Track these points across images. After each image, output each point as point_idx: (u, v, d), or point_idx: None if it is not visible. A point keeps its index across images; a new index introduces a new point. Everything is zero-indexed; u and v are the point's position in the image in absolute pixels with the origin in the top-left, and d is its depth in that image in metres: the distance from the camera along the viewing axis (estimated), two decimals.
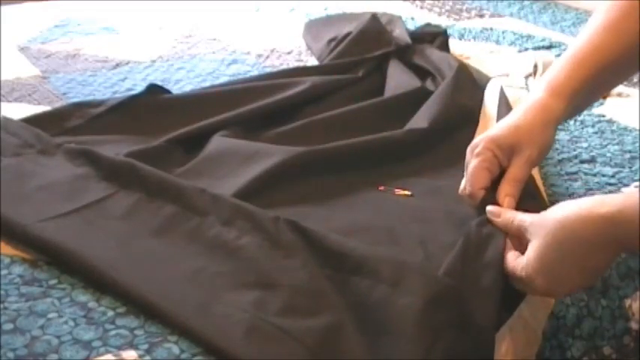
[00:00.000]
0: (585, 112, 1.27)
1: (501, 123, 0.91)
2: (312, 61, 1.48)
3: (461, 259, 0.79)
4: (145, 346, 0.69)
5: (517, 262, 0.77)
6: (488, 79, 1.32)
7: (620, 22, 0.92)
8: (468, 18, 1.85)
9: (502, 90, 1.15)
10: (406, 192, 0.99)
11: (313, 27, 1.63)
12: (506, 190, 0.86)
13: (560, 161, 1.10)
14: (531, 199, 0.88)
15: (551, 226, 0.75)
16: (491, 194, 0.87)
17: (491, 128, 0.91)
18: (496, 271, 0.77)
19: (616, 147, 1.15)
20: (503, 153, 0.87)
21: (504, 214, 0.82)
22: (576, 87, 0.91)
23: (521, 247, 0.78)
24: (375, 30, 1.46)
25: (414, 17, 1.77)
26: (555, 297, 0.83)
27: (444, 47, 1.47)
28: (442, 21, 1.77)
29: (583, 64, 0.91)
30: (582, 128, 1.22)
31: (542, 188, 0.98)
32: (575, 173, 1.07)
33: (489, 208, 0.83)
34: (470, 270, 0.78)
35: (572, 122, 1.23)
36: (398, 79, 1.30)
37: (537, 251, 0.75)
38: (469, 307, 0.74)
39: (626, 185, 1.04)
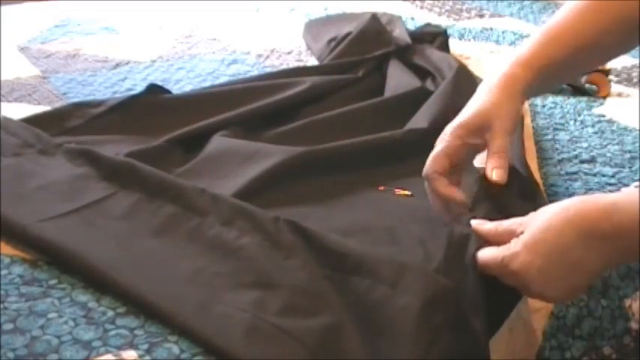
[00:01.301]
0: (585, 112, 1.27)
1: (469, 107, 0.88)
2: (312, 61, 1.48)
3: (445, 262, 0.79)
4: (145, 346, 0.69)
5: (500, 249, 0.74)
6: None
7: (601, 3, 0.90)
8: (468, 18, 1.85)
9: None
10: (406, 192, 0.99)
11: (313, 27, 1.63)
12: (493, 163, 0.84)
13: (560, 161, 1.10)
14: (532, 201, 0.87)
15: (556, 210, 0.72)
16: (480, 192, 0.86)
17: (460, 113, 0.89)
18: (473, 272, 0.76)
19: (616, 147, 1.15)
20: (475, 135, 0.86)
21: (487, 224, 0.79)
22: (546, 61, 0.89)
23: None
24: (375, 30, 1.46)
25: (414, 17, 1.77)
26: (534, 286, 0.74)
27: (444, 47, 1.47)
28: (442, 21, 1.77)
29: (556, 41, 0.89)
30: (582, 128, 1.22)
31: (542, 188, 0.98)
32: (575, 173, 1.07)
33: (472, 222, 0.80)
34: (453, 272, 0.77)
35: (572, 122, 1.24)
36: (398, 79, 1.30)
37: (534, 232, 0.72)
38: (464, 309, 0.74)
39: (626, 185, 1.04)
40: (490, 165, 0.84)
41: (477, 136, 0.86)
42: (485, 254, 0.76)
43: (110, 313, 0.73)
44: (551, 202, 0.91)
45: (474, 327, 0.73)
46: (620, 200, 0.70)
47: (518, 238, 0.73)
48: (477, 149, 0.87)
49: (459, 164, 0.87)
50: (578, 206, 0.71)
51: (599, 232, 0.69)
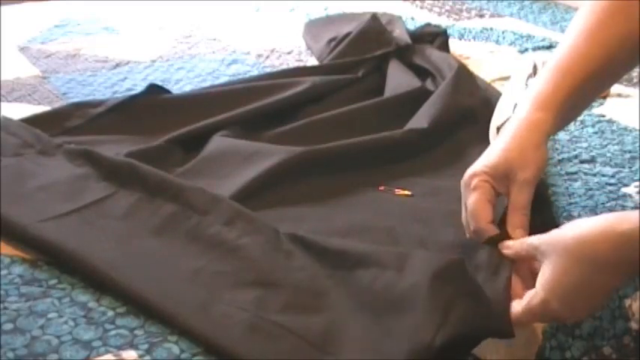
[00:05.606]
0: (585, 112, 1.27)
1: (492, 150, 0.87)
2: (312, 61, 1.48)
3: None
4: (145, 346, 0.70)
5: (528, 299, 0.74)
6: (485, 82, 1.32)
7: (603, 26, 0.90)
8: (468, 18, 1.85)
9: (535, 65, 1.13)
10: (406, 192, 0.99)
11: (313, 27, 1.63)
12: (515, 222, 0.82)
13: (560, 161, 1.10)
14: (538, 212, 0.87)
15: (569, 245, 0.72)
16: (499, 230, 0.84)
17: (481, 157, 0.87)
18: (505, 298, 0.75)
19: (616, 147, 1.15)
20: (498, 182, 0.84)
21: (514, 243, 0.79)
22: (562, 98, 0.88)
23: (529, 274, 0.77)
24: (375, 30, 1.46)
25: (414, 17, 1.77)
26: (569, 322, 0.81)
27: (444, 47, 1.47)
28: (442, 21, 1.77)
29: (567, 74, 0.88)
30: (582, 128, 1.22)
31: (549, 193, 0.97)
32: (575, 173, 1.07)
33: (502, 244, 0.80)
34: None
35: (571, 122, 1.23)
36: (398, 79, 1.30)
37: (554, 272, 0.72)
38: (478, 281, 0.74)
39: (626, 185, 1.04)
40: (512, 224, 0.83)
41: (501, 185, 0.84)
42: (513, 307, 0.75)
43: (110, 313, 0.73)
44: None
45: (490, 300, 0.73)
46: (626, 233, 0.70)
47: (543, 287, 0.73)
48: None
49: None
50: (601, 236, 0.71)
51: (619, 262, 0.71)
